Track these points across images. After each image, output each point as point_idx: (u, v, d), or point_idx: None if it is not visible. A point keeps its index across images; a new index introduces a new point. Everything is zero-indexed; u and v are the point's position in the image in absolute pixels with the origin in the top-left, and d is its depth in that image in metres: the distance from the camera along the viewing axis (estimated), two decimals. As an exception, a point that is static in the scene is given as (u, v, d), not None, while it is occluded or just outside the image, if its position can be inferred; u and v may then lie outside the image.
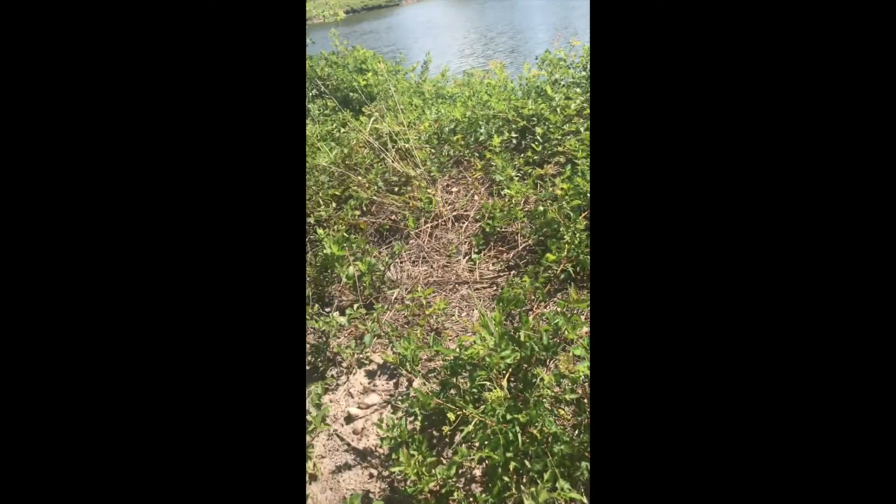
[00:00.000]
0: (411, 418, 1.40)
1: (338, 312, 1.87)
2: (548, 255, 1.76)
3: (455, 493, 1.19)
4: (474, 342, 1.34)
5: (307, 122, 3.71)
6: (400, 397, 1.57)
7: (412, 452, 1.22)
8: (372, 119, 3.18)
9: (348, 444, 1.47)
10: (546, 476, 1.13)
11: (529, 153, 2.47)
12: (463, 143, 2.70)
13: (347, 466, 1.41)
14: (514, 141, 2.66)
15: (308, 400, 1.48)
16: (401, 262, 2.10)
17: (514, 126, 2.65)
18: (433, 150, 2.72)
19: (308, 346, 1.73)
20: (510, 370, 1.37)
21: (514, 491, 1.12)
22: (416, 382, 1.58)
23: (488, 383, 1.33)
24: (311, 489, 1.37)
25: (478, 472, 1.28)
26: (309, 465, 1.41)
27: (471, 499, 1.20)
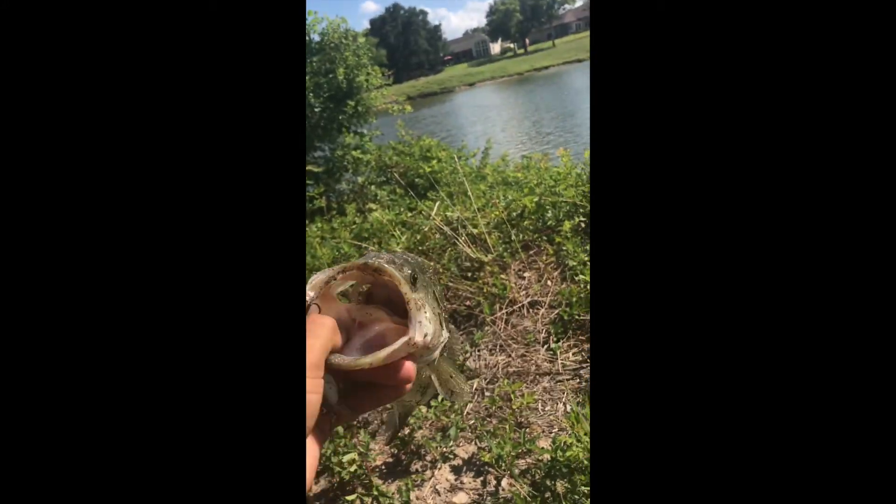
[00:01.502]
0: (504, 523, 1.34)
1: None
2: (635, 346, 1.72)
3: None
4: (572, 444, 1.30)
5: (377, 206, 3.95)
6: (490, 498, 1.51)
7: (513, 565, 1.16)
8: (437, 204, 3.34)
9: (438, 549, 1.41)
10: None
11: (601, 238, 2.49)
12: (532, 227, 2.77)
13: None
14: (584, 225, 2.70)
15: (397, 496, 1.46)
16: (478, 351, 2.10)
17: (582, 210, 2.70)
18: (502, 235, 2.80)
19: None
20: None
21: None
22: (506, 482, 1.53)
23: (587, 488, 1.27)
24: None
25: (583, 591, 1.19)
26: (399, 570, 1.36)
27: None
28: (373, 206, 3.93)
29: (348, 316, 0.49)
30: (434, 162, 4.39)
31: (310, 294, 0.47)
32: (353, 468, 1.52)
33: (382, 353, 0.44)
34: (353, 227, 3.40)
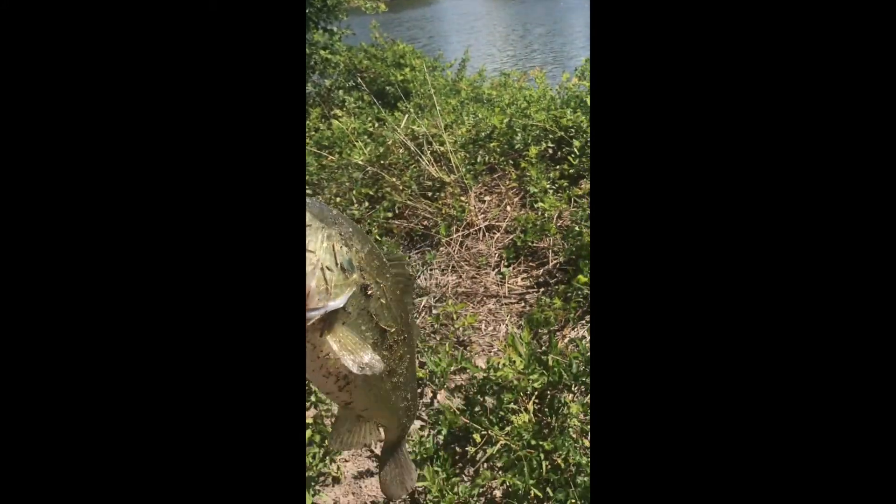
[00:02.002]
0: (434, 432, 1.42)
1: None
2: (580, 276, 1.76)
3: (475, 513, 1.22)
4: (504, 364, 1.35)
5: (343, 113, 3.75)
6: (424, 409, 1.59)
7: (436, 469, 1.24)
8: (406, 117, 3.19)
9: (371, 451, 1.50)
10: (567, 506, 1.14)
11: (566, 166, 2.46)
12: (499, 150, 2.70)
13: (370, 473, 1.44)
14: (551, 151, 2.65)
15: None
16: (430, 270, 2.12)
17: (551, 136, 2.63)
18: (468, 155, 2.72)
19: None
20: (536, 393, 1.38)
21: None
22: (441, 395, 1.60)
23: (514, 406, 1.34)
24: (335, 492, 1.41)
25: (498, 494, 1.30)
26: (333, 467, 1.44)
27: (490, 520, 1.22)
28: (339, 112, 3.73)
29: None
30: (407, 70, 4.14)
31: None
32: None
33: None
34: (315, 134, 3.24)
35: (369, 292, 0.58)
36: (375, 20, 4.73)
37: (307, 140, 3.12)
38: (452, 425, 1.32)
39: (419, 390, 1.63)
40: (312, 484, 1.36)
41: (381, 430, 0.77)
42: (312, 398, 1.49)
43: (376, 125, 3.32)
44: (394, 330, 0.62)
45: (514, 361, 1.37)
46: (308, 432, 1.45)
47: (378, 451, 0.79)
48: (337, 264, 0.54)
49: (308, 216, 0.54)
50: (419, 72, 4.10)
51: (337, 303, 0.54)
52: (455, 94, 3.82)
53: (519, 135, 2.67)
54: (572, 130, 2.58)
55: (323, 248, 0.53)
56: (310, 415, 1.50)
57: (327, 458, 1.42)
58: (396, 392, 0.69)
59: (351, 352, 0.56)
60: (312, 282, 0.52)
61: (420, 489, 1.33)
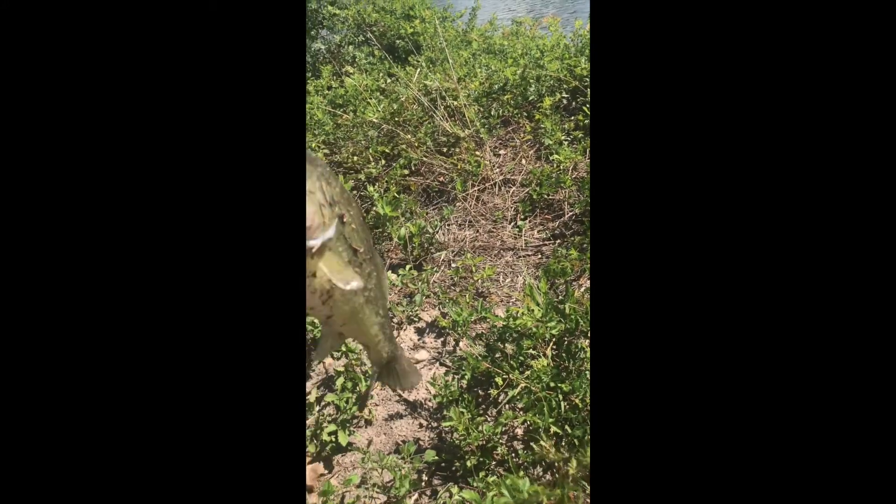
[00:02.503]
0: (458, 377, 1.52)
1: (390, 271, 1.97)
2: (595, 227, 1.80)
3: (499, 448, 1.32)
4: (523, 313, 1.42)
5: (354, 70, 3.71)
6: (448, 356, 1.68)
7: (461, 410, 1.34)
8: (418, 71, 3.15)
9: (399, 396, 1.60)
10: (585, 440, 1.23)
11: (580, 116, 2.44)
12: (512, 102, 2.68)
13: (399, 416, 1.55)
14: (565, 102, 2.62)
15: (364, 353, 1.61)
16: (448, 226, 2.17)
17: (565, 86, 2.60)
18: (482, 109, 2.70)
19: (362, 302, 1.86)
20: (554, 340, 1.45)
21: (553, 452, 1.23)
22: (463, 343, 1.69)
23: (533, 351, 1.42)
24: (368, 432, 1.52)
25: (520, 431, 1.40)
26: (365, 411, 1.55)
27: (513, 454, 1.32)
28: (350, 69, 3.70)
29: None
30: (416, 22, 4.05)
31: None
32: (323, 328, 1.66)
33: None
34: (328, 92, 3.23)
35: (345, 220, 0.71)
36: (382, -31, 4.57)
37: (321, 99, 3.11)
38: (475, 370, 1.41)
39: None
40: (347, 426, 1.47)
41: (365, 351, 0.96)
42: (343, 348, 1.59)
43: (388, 81, 3.29)
44: (362, 249, 0.75)
45: (533, 310, 1.43)
46: (341, 380, 1.55)
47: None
48: (326, 200, 0.65)
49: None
50: (429, 23, 4.00)
51: (329, 233, 0.66)
52: (466, 46, 3.74)
53: (532, 86, 2.64)
54: (587, 80, 2.54)
55: (318, 188, 0.64)
56: (342, 363, 1.60)
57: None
58: (368, 305, 0.83)
59: (335, 271, 0.69)
60: (316, 217, 0.63)
61: (447, 428, 1.44)
